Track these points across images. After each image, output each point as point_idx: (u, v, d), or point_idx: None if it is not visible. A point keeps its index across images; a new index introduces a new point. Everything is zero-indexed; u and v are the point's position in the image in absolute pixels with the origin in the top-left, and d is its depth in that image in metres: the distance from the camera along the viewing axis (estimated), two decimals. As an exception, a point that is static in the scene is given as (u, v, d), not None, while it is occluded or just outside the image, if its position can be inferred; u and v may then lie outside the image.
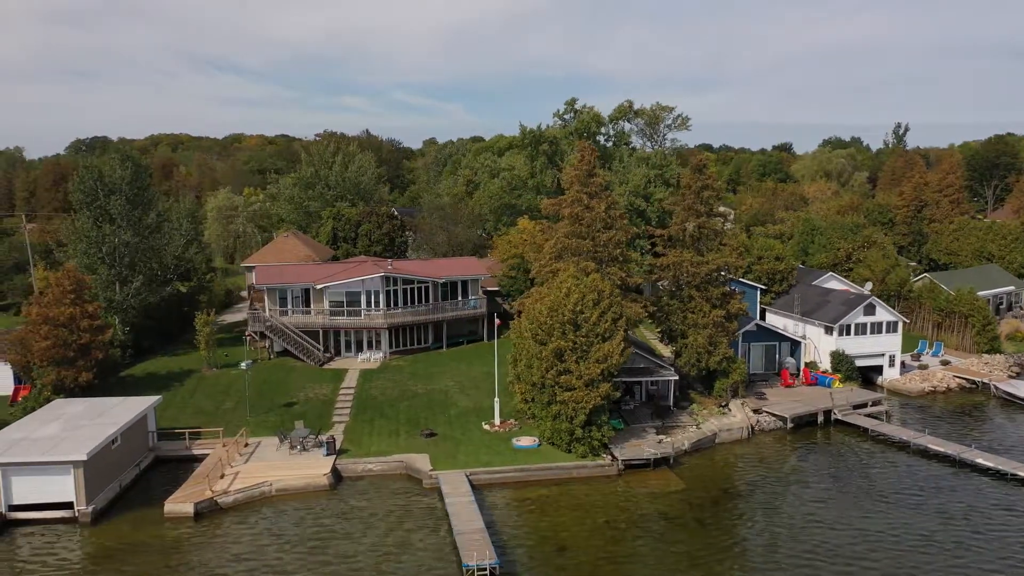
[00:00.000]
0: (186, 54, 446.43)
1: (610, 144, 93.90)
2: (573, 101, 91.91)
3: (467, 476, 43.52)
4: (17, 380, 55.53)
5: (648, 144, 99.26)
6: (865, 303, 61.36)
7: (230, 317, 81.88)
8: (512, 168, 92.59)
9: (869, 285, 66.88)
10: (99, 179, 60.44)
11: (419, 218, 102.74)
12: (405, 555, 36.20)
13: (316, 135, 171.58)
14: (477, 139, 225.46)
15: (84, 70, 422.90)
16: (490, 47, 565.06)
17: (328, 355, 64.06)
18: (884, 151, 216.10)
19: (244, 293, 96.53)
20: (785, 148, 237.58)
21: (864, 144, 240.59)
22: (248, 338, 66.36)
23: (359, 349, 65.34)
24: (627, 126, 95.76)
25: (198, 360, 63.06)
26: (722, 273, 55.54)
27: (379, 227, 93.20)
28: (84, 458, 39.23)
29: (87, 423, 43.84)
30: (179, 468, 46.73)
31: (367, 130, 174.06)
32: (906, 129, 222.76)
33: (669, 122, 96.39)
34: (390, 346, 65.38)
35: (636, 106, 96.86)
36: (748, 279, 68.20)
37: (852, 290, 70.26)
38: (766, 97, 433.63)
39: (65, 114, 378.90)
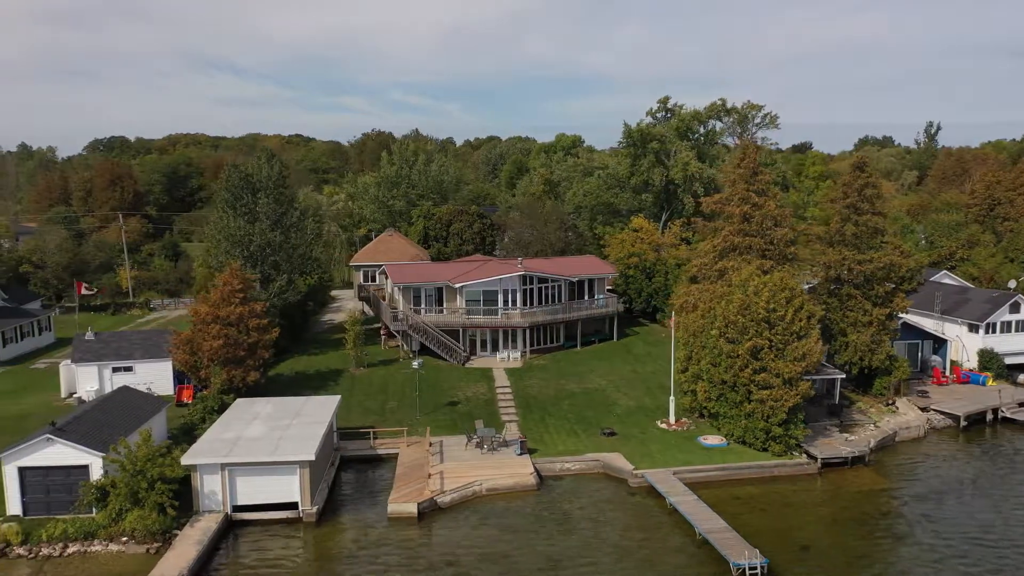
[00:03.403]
0: (185, 54, 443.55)
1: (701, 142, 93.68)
2: (666, 99, 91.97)
3: (675, 475, 43.36)
4: (178, 380, 55.07)
5: (738, 142, 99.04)
6: (1011, 301, 61.46)
7: (334, 317, 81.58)
8: (606, 167, 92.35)
9: (1013, 283, 66.99)
10: (246, 178, 59.99)
11: (499, 216, 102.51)
12: (656, 554, 35.95)
13: (364, 134, 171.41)
14: (492, 137, 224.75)
15: (83, 70, 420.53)
16: (489, 47, 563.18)
17: (466, 353, 63.77)
18: (915, 150, 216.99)
19: (333, 293, 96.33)
20: (806, 147, 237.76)
21: (896, 143, 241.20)
22: (383, 336, 66.13)
23: (494, 348, 65.06)
24: (718, 125, 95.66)
25: (338, 359, 62.78)
26: (881, 271, 55.42)
27: (470, 226, 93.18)
28: (312, 458, 38.94)
29: (291, 422, 43.51)
30: (365, 467, 46.57)
31: (416, 129, 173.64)
32: (938, 128, 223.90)
33: (758, 120, 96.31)
34: (526, 345, 65.12)
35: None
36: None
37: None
38: (768, 96, 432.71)
39: (64, 115, 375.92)
